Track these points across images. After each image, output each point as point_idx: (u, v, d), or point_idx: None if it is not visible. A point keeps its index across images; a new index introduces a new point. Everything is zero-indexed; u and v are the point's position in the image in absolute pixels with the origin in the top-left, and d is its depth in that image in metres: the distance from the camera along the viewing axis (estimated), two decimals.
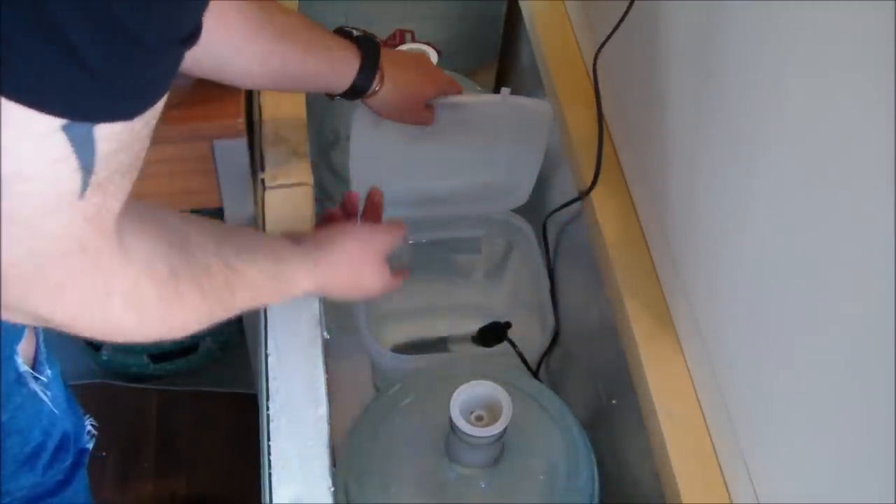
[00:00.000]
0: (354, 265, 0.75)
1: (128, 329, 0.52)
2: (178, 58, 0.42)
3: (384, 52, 0.83)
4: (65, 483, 0.97)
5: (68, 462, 0.95)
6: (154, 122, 0.43)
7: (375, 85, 0.83)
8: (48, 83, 0.37)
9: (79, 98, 0.38)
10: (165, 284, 0.53)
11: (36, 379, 0.84)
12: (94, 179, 0.41)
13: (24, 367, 0.82)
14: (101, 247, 0.46)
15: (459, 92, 0.93)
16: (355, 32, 0.83)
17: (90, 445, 1.01)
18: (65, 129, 0.38)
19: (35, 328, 0.82)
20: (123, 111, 0.40)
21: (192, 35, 0.41)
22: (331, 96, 0.85)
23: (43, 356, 0.86)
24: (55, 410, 0.87)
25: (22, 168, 0.39)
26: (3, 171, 0.39)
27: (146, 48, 0.39)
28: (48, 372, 0.86)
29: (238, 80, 0.79)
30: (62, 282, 0.46)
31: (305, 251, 0.71)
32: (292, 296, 0.69)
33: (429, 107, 0.91)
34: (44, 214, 0.42)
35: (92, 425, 1.01)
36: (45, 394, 0.85)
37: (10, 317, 0.48)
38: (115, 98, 0.40)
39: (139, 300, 0.51)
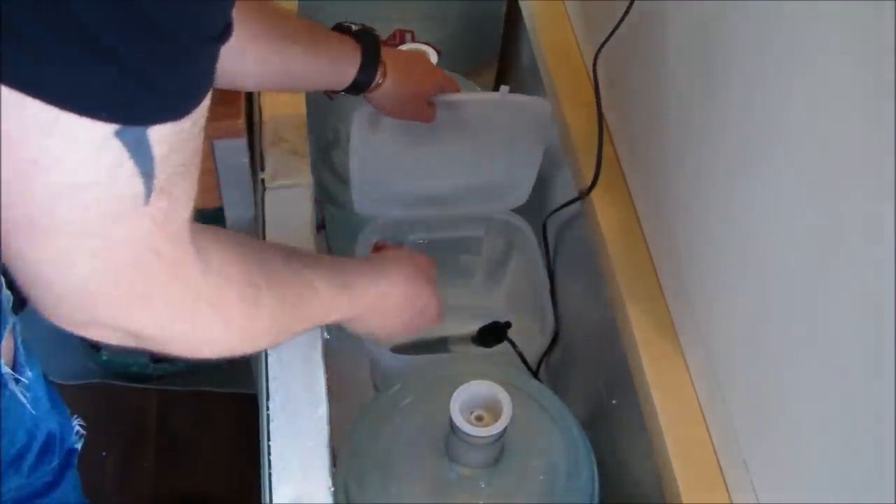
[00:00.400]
0: (412, 284, 0.75)
1: (216, 339, 0.53)
2: (215, 55, 0.42)
3: (384, 49, 0.83)
4: (53, 484, 0.96)
5: (55, 463, 0.95)
6: (203, 121, 0.43)
7: (378, 78, 0.83)
8: (91, 89, 0.37)
9: (124, 102, 0.38)
10: (245, 292, 0.54)
11: (17, 381, 0.84)
12: (156, 183, 0.41)
13: (4, 369, 0.82)
14: (178, 254, 0.47)
15: (457, 91, 0.93)
16: (353, 27, 0.82)
17: (79, 445, 1.00)
18: (118, 134, 0.38)
19: (13, 328, 0.83)
20: (170, 112, 0.40)
21: (224, 32, 0.41)
22: (331, 96, 0.85)
23: (23, 357, 0.86)
24: (34, 412, 0.87)
25: (80, 177, 0.39)
26: (60, 182, 0.39)
27: (182, 47, 0.39)
28: (28, 373, 0.86)
29: (240, 82, 0.79)
30: (148, 292, 0.46)
31: (366, 265, 0.72)
32: (362, 307, 0.69)
33: (430, 104, 0.91)
34: (111, 223, 0.42)
35: (80, 425, 1.01)
36: (25, 395, 0.85)
37: (104, 335, 0.48)
38: (159, 99, 0.40)
39: (224, 308, 0.52)
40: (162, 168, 0.41)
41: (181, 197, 0.44)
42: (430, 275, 0.78)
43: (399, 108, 0.88)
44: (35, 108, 0.36)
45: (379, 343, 0.81)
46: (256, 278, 0.55)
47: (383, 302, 0.71)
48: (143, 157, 0.40)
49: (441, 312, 0.79)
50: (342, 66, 0.80)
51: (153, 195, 0.42)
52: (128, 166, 0.40)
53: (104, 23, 0.36)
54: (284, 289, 0.58)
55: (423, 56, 0.96)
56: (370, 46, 0.81)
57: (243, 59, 0.73)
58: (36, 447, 0.90)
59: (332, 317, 0.67)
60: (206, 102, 0.43)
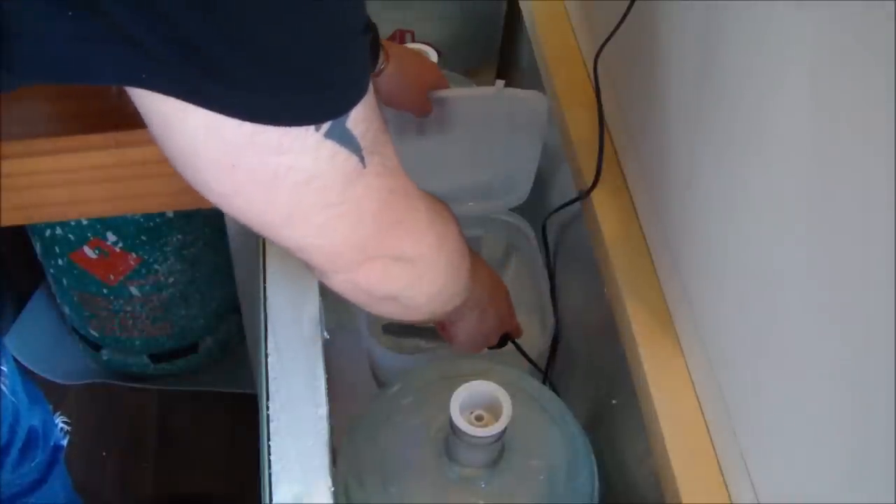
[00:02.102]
0: (497, 281, 0.84)
1: (447, 254, 0.65)
2: (368, 44, 0.49)
3: (383, 40, 0.84)
4: (40, 482, 0.97)
5: (40, 459, 0.95)
6: (372, 90, 0.51)
7: (381, 63, 0.83)
8: (299, 106, 0.46)
9: (324, 106, 0.47)
10: (437, 219, 0.65)
11: None
12: (365, 152, 0.51)
13: None
14: (402, 184, 0.57)
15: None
16: None
17: (64, 442, 1.00)
18: (326, 135, 0.47)
19: None
20: (356, 97, 0.48)
21: (368, 24, 0.49)
22: None
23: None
24: (13, 398, 0.87)
25: (309, 172, 0.49)
26: (297, 181, 0.49)
27: (349, 46, 0.47)
28: (3, 368, 0.86)
29: None
30: (398, 218, 0.57)
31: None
32: (474, 294, 0.76)
33: (427, 98, 0.91)
34: (347, 190, 0.51)
35: (64, 422, 1.01)
36: (4, 383, 0.85)
37: (377, 270, 0.59)
38: (347, 92, 0.48)
39: (441, 229, 0.64)
40: (364, 139, 0.50)
41: (386, 145, 0.53)
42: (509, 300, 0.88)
43: (400, 95, 0.88)
44: (263, 135, 0.46)
45: (457, 349, 0.87)
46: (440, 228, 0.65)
47: (479, 275, 0.78)
48: (349, 141, 0.49)
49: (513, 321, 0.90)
50: None
51: (367, 159, 0.51)
52: (341, 152, 0.49)
53: (291, 45, 0.43)
54: (456, 247, 0.68)
55: (421, 53, 0.96)
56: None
57: None
58: (18, 442, 0.90)
59: (467, 290, 0.73)
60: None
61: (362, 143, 0.50)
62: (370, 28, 0.50)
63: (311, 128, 0.47)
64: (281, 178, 0.48)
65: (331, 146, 0.48)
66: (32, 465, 0.94)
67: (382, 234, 0.57)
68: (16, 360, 0.93)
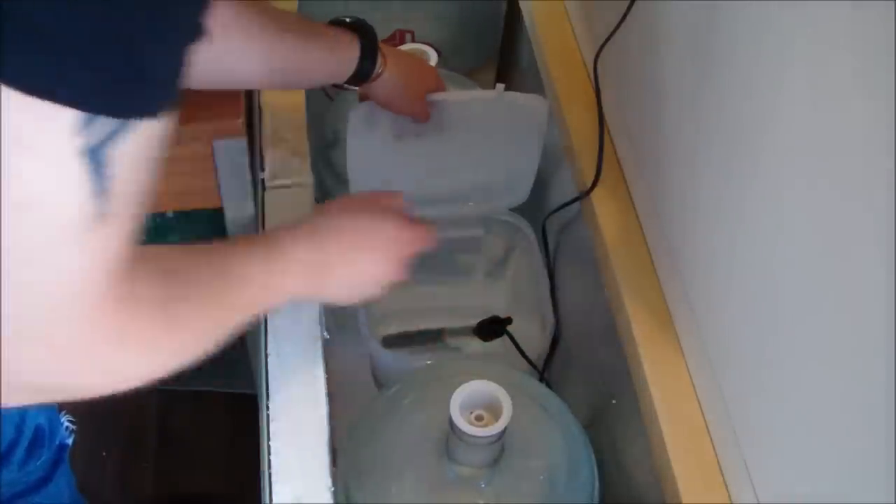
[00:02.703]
0: (357, 218, 0.68)
1: (127, 370, 0.50)
2: (179, 57, 0.39)
3: (381, 44, 0.83)
4: (45, 480, 0.97)
5: (45, 458, 0.95)
6: (158, 149, 0.41)
7: (379, 66, 0.83)
8: (80, 82, 0.35)
9: (88, 93, 0.35)
10: (157, 315, 0.48)
11: None
12: (104, 208, 0.38)
13: None
14: (99, 295, 0.42)
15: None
16: (348, 20, 0.83)
17: (69, 441, 1.01)
18: (83, 151, 0.36)
19: None
20: (148, 103, 0.38)
21: (191, 35, 0.39)
22: (331, 96, 0.85)
23: None
24: None
25: (39, 191, 0.36)
26: (19, 195, 0.36)
27: (141, 46, 0.37)
28: None
29: (244, 82, 0.79)
30: (67, 341, 0.42)
31: (302, 225, 0.66)
32: (313, 266, 0.63)
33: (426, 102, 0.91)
34: (51, 246, 0.38)
35: (70, 420, 1.01)
36: None
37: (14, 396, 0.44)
38: (137, 90, 0.37)
39: (136, 337, 0.47)
40: (119, 184, 0.38)
41: (123, 226, 0.41)
42: (383, 203, 0.72)
43: (398, 99, 0.88)
44: (6, 103, 0.34)
45: (383, 291, 0.71)
46: (173, 290, 0.50)
47: (337, 250, 0.65)
48: (100, 176, 0.37)
49: (424, 233, 0.72)
50: (343, 56, 0.80)
51: (99, 221, 0.38)
52: (85, 186, 0.37)
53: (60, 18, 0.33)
54: (203, 290, 0.53)
55: (419, 56, 0.97)
56: (367, 36, 0.81)
57: (246, 56, 0.73)
58: (24, 441, 0.90)
59: (281, 291, 0.61)
60: (165, 128, 0.40)
61: (113, 189, 0.38)
62: (198, 38, 0.39)
63: (70, 128, 0.35)
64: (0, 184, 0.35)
65: (78, 169, 0.36)
66: (38, 463, 0.94)
67: (42, 348, 0.41)
68: None
